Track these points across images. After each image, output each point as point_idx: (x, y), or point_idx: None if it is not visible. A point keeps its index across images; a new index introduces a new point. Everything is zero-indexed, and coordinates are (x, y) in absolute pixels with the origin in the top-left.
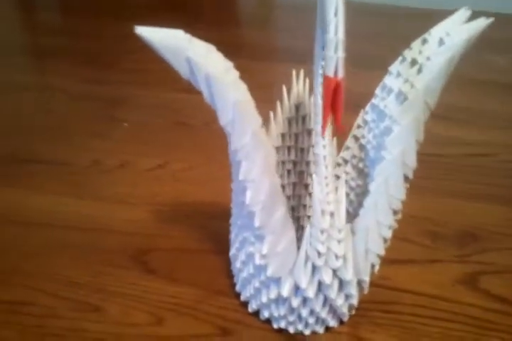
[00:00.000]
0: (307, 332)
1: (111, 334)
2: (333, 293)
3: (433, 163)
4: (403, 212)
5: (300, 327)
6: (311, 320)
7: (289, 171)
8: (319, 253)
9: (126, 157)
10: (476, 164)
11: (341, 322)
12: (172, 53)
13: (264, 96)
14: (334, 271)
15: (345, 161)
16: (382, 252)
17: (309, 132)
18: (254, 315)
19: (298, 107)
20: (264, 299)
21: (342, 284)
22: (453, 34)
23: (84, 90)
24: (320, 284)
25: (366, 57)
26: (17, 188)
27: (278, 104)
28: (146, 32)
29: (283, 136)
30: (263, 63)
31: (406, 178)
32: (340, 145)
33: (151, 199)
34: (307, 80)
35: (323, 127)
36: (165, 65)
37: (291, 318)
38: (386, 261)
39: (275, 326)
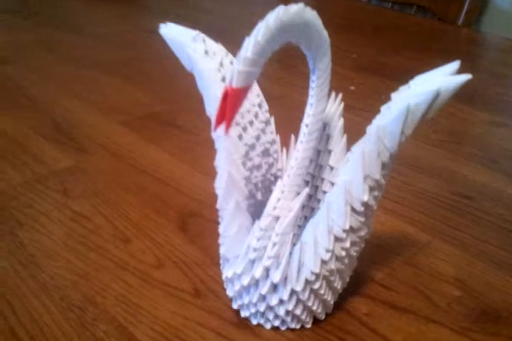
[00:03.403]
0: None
1: (121, 260)
2: (264, 290)
3: None
4: (436, 267)
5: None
6: (258, 304)
7: (307, 183)
8: (254, 248)
9: None
10: None
11: (287, 327)
12: (178, 48)
13: None
14: (267, 270)
15: None
16: (317, 270)
17: (329, 152)
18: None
19: (325, 126)
20: (223, 276)
21: (275, 286)
22: (426, 84)
23: None
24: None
25: None
26: (151, 142)
27: None
28: (163, 28)
29: None
30: None
31: (353, 209)
32: None
33: None
34: (342, 104)
35: (215, 126)
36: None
37: (240, 302)
38: (384, 302)
39: (233, 306)
